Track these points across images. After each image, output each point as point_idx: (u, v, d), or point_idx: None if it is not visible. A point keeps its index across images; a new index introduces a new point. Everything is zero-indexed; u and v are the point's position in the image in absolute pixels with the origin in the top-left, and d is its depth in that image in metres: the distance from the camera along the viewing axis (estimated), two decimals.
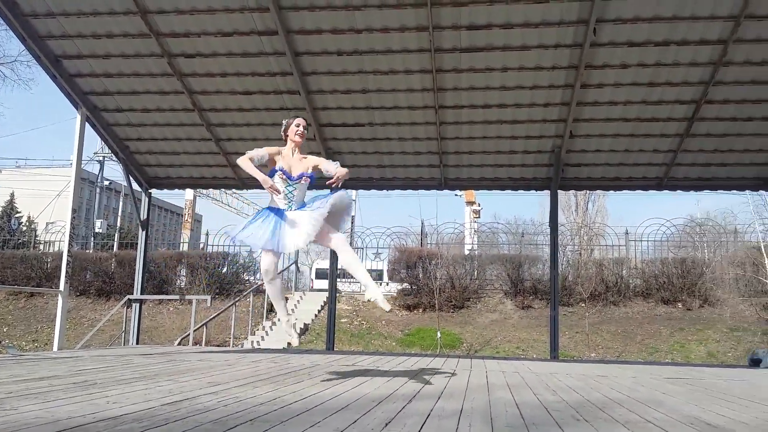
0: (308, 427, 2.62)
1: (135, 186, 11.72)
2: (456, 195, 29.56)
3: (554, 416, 3.22)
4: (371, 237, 21.00)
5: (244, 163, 4.59)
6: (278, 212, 4.64)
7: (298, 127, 4.83)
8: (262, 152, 4.63)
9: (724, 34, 8.15)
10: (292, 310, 18.02)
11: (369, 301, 4.51)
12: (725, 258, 19.19)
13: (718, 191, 10.95)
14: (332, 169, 4.74)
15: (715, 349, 15.43)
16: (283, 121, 4.94)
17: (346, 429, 2.60)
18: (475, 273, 19.30)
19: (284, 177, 4.69)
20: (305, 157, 4.87)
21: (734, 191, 11.64)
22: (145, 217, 11.58)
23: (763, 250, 16.80)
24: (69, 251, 9.57)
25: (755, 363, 9.16)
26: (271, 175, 4.64)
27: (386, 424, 2.76)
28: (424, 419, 2.96)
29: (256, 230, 4.54)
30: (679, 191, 10.92)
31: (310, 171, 4.78)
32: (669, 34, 8.21)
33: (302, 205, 4.72)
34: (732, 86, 8.92)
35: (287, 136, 4.86)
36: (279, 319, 4.81)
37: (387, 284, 20.66)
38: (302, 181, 4.75)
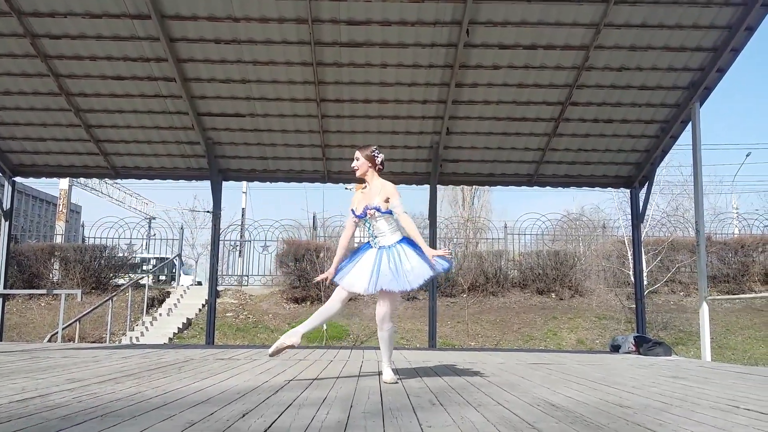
0: (160, 421, 2.59)
1: None
2: (346, 189, 29.57)
3: (413, 402, 3.36)
4: (260, 230, 20.62)
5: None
6: (364, 247, 4.57)
7: None
8: (349, 221, 4.70)
9: (586, 40, 8.69)
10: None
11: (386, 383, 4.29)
12: (594, 251, 20.42)
13: (583, 188, 11.67)
14: (395, 209, 4.46)
15: (584, 336, 16.42)
16: None
17: (199, 422, 2.59)
18: None
19: (353, 216, 4.61)
20: (380, 187, 4.54)
21: (597, 188, 12.47)
22: (9, 206, 10.84)
23: (626, 243, 17.98)
24: None
25: (615, 349, 9.89)
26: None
27: (243, 416, 2.77)
28: (284, 409, 3.01)
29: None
30: (548, 187, 11.54)
31: (375, 204, 4.47)
32: (536, 38, 8.66)
33: (390, 246, 4.44)
34: (594, 89, 9.52)
35: None
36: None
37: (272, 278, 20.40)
38: (370, 216, 4.49)
